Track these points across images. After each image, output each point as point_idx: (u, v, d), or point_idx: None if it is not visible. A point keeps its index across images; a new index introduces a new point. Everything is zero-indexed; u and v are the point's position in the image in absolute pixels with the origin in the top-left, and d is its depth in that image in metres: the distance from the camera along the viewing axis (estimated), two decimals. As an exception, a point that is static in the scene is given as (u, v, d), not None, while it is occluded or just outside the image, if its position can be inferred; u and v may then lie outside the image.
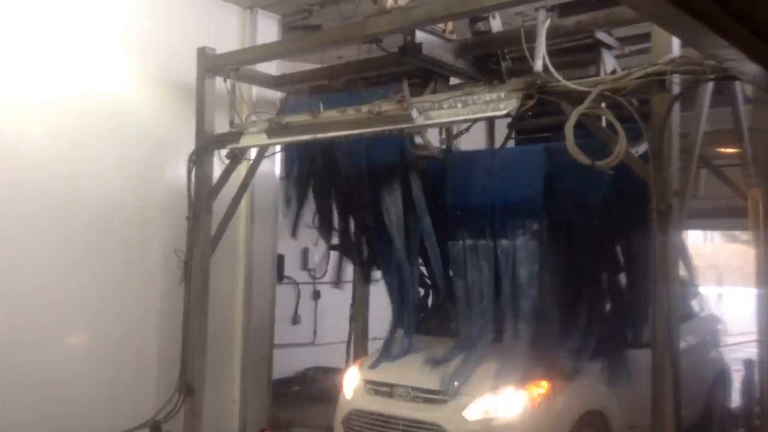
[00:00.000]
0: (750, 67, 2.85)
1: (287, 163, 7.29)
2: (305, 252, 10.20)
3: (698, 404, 6.95)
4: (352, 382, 6.18)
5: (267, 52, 6.85)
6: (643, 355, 5.76)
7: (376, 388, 5.93)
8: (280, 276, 8.98)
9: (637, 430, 5.80)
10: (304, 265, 10.35)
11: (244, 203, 7.36)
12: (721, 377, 7.53)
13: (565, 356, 5.54)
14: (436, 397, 5.54)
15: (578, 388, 5.52)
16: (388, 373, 5.99)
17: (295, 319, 10.20)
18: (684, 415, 6.10)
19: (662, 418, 4.52)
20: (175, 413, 6.56)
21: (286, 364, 9.33)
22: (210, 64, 6.85)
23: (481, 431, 5.30)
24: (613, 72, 5.24)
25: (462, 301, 6.21)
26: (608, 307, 5.97)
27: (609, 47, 5.37)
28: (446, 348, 6.06)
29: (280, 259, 8.79)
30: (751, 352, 7.10)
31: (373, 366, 6.21)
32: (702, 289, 7.85)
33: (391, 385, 5.81)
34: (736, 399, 7.44)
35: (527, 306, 5.78)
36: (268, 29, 7.82)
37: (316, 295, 10.42)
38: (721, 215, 7.45)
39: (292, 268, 10.01)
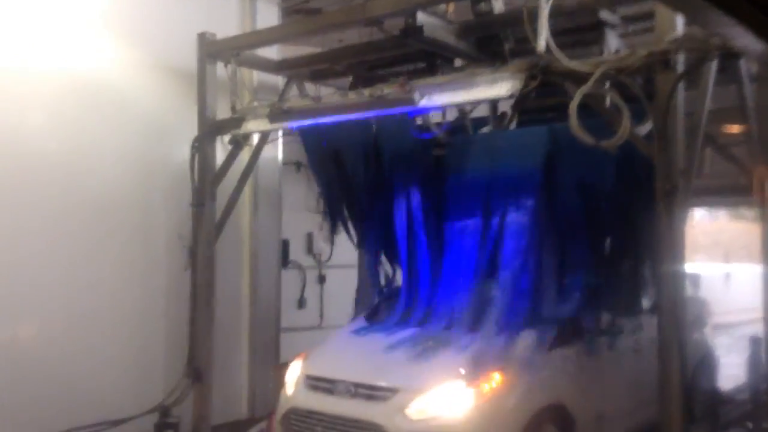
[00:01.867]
0: (757, 45, 2.81)
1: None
2: (310, 236, 10.20)
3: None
4: (293, 376, 5.71)
5: (267, 37, 6.81)
6: (618, 339, 5.79)
7: (315, 383, 5.46)
8: (285, 260, 8.97)
9: (607, 421, 5.55)
10: (309, 249, 10.36)
11: (247, 189, 7.36)
12: (704, 364, 6.97)
13: (526, 346, 5.25)
14: (378, 393, 5.07)
15: (537, 381, 5.14)
16: (330, 366, 5.57)
17: (302, 303, 10.22)
18: (651, 411, 5.79)
19: (670, 400, 4.51)
20: (184, 398, 6.62)
21: (294, 347, 9.36)
22: (210, 49, 6.81)
23: (424, 431, 4.85)
24: (617, 52, 5.19)
25: (425, 287, 6.01)
26: (594, 290, 5.74)
27: (612, 26, 5.31)
28: (399, 339, 5.69)
29: (285, 244, 8.79)
30: (758, 329, 7.08)
31: (316, 358, 5.79)
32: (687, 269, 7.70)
33: (332, 381, 5.33)
34: (723, 386, 7.12)
35: (508, 291, 5.56)
36: (268, 13, 7.77)
37: (322, 279, 10.43)
38: (727, 193, 7.41)
39: (297, 253, 10.02)
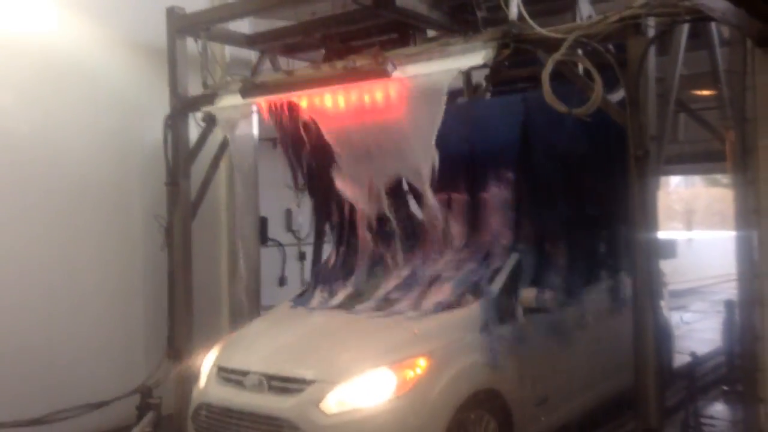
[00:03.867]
0: (719, 3, 2.81)
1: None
2: (288, 213, 10.15)
3: (627, 370, 6.37)
4: (206, 366, 5.28)
5: (238, 10, 6.68)
6: (569, 314, 5.49)
7: (227, 375, 5.02)
8: (264, 238, 8.93)
9: (552, 404, 5.31)
10: (288, 226, 10.32)
11: (223, 166, 7.29)
12: (659, 337, 6.72)
13: (455, 327, 4.93)
14: (292, 386, 4.61)
15: (467, 365, 4.73)
16: (244, 356, 5.11)
17: (282, 281, 10.20)
18: (606, 386, 5.83)
19: (644, 367, 4.56)
20: (165, 379, 6.60)
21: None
22: (180, 24, 6.69)
23: (341, 425, 4.41)
24: (589, 18, 5.18)
25: (364, 266, 5.79)
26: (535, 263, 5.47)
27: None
28: (323, 323, 5.38)
29: (264, 221, 8.74)
30: (732, 293, 7.19)
31: (231, 347, 5.37)
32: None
33: (243, 372, 4.87)
34: (680, 359, 6.85)
35: (448, 267, 5.34)
36: (239, -14, 7.62)
37: (302, 256, 10.41)
38: (701, 159, 7.47)
39: (276, 230, 9.98)
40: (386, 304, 5.38)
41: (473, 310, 5.07)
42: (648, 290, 4.56)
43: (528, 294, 5.18)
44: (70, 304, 6.37)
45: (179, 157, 6.73)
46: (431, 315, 5.04)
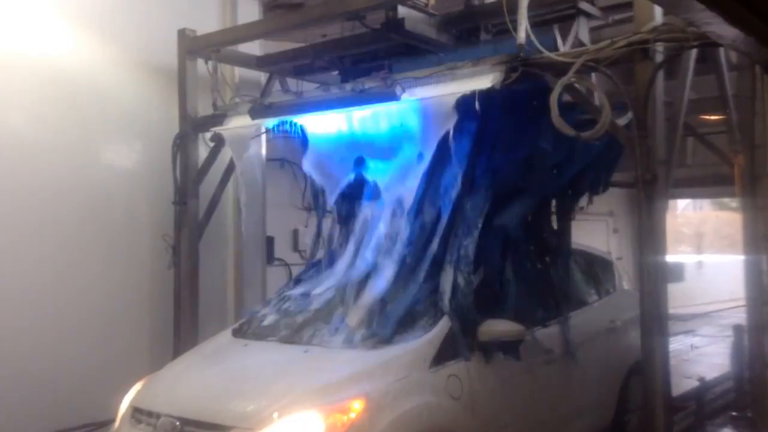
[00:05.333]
0: (728, 31, 2.82)
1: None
2: (295, 233, 10.16)
3: (607, 404, 5.82)
4: (123, 406, 4.72)
5: (248, 32, 6.77)
6: (534, 347, 4.96)
7: (140, 417, 4.46)
8: (271, 258, 8.94)
9: None
10: (295, 246, 10.32)
11: (231, 186, 7.32)
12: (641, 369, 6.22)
13: (399, 364, 4.29)
14: None
15: (412, 407, 4.12)
16: (162, 396, 4.54)
17: (288, 301, 10.21)
18: (587, 421, 5.50)
19: (652, 393, 4.49)
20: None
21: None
22: (190, 45, 6.77)
23: None
24: (581, 43, 5.18)
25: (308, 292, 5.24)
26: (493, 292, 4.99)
27: (588, 16, 5.31)
28: (254, 357, 4.77)
29: (270, 241, 8.75)
30: (741, 317, 7.13)
31: (151, 384, 4.77)
32: (617, 261, 6.41)
33: (157, 415, 4.32)
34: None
35: (390, 293, 4.81)
36: (249, 8, 7.73)
37: (308, 276, 10.42)
38: (709, 183, 7.46)
39: (282, 250, 9.99)
40: (327, 336, 4.74)
41: (422, 343, 4.42)
42: (656, 314, 4.53)
43: (487, 325, 4.60)
44: (76, 323, 6.37)
45: (187, 177, 6.77)
46: (372, 349, 4.43)
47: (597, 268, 6.49)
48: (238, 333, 5.28)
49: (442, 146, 5.03)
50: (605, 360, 5.82)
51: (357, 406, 3.95)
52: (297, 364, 4.50)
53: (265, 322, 5.24)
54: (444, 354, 4.42)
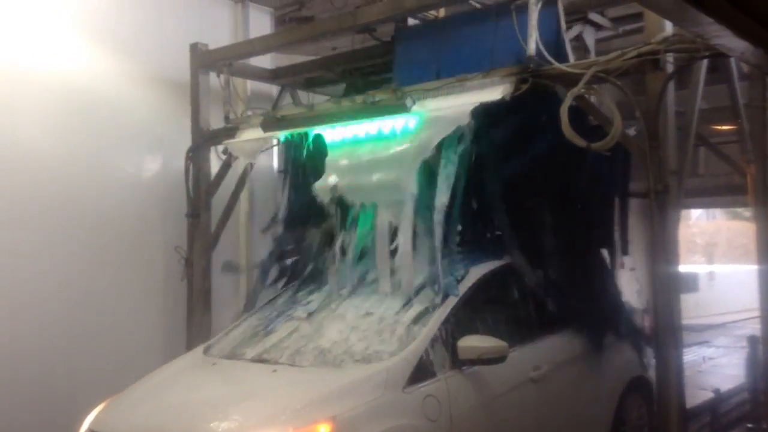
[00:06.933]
0: (737, 44, 2.82)
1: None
2: (307, 245, 10.17)
3: (602, 423, 5.44)
4: (82, 430, 4.47)
5: (260, 46, 6.82)
6: (518, 366, 4.65)
7: None
8: (283, 270, 8.95)
9: None
10: (307, 257, 10.32)
11: (243, 198, 7.36)
12: (638, 385, 5.73)
13: (371, 385, 3.99)
14: None
15: (383, 429, 3.82)
16: (120, 419, 4.28)
17: (300, 312, 10.20)
18: None
19: (666, 405, 4.47)
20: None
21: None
22: (203, 59, 6.83)
23: None
24: (587, 53, 5.20)
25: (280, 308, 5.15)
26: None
27: (597, 27, 5.33)
28: (227, 375, 4.57)
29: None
30: (755, 328, 7.06)
31: (111, 407, 4.51)
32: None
33: None
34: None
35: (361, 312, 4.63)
36: (261, 22, 7.80)
37: (320, 287, 10.41)
38: (722, 192, 7.43)
39: (294, 262, 10.00)
40: (297, 355, 4.50)
41: (397, 361, 4.13)
42: (669, 325, 4.51)
43: (467, 342, 4.31)
44: (90, 333, 6.40)
45: (200, 190, 6.81)
46: (343, 368, 4.19)
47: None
48: (207, 351, 5.06)
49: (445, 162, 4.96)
50: (602, 375, 5.45)
51: (323, 430, 3.67)
52: (264, 384, 4.24)
53: (235, 341, 5.04)
54: (421, 373, 4.14)
